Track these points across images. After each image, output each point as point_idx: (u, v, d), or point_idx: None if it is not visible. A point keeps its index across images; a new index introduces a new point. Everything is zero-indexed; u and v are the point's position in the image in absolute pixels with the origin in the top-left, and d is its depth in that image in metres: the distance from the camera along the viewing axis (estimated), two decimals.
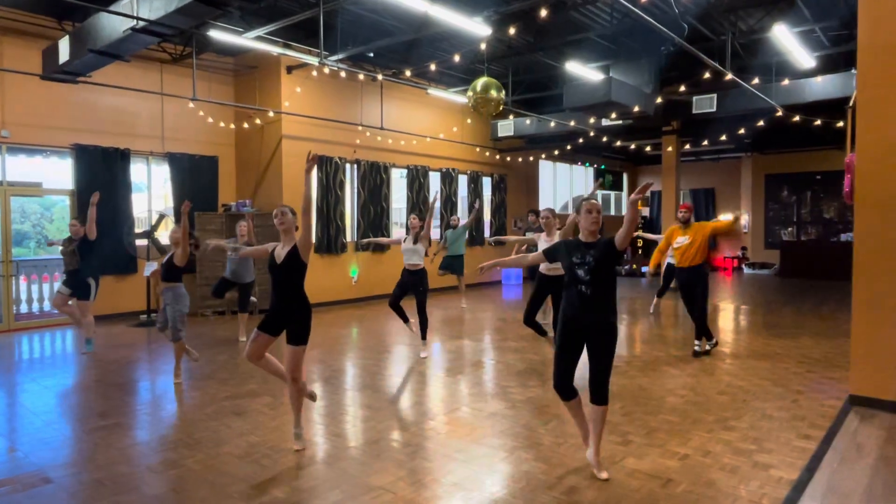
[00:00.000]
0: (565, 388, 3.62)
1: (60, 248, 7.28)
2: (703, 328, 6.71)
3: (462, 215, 14.36)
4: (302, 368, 4.04)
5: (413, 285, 6.79)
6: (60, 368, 6.63)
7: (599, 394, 3.54)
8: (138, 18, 6.14)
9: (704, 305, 6.72)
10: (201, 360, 6.45)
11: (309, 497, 3.36)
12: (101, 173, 9.39)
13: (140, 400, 5.44)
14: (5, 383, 5.96)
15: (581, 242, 3.62)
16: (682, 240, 6.63)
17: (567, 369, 3.60)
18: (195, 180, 10.54)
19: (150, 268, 9.12)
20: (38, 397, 5.41)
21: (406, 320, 7.05)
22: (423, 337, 6.91)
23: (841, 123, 11.49)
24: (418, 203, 12.94)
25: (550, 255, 3.80)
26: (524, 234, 8.94)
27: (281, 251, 4.06)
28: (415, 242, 6.75)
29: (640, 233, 7.49)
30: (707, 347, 6.84)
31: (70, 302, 7.18)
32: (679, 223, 6.75)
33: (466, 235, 10.87)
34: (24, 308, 9.25)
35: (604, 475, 3.54)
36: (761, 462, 3.76)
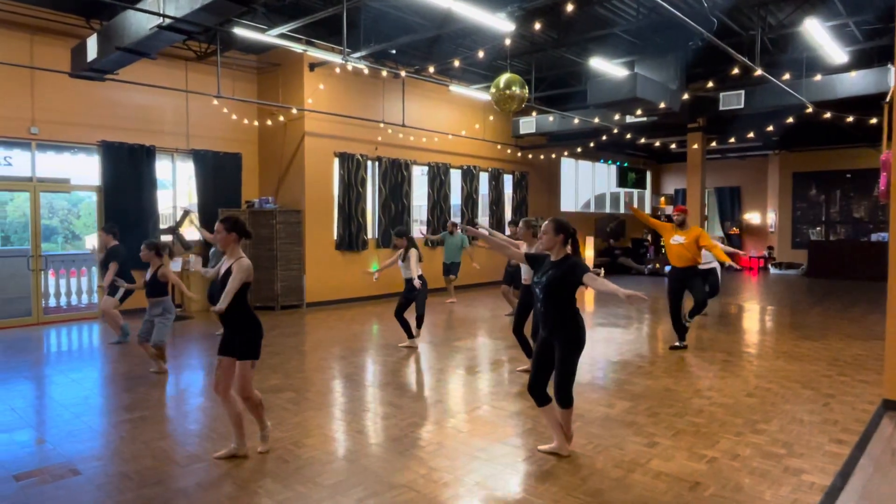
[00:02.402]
0: (534, 394, 3.84)
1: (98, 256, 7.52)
2: (700, 309, 7.21)
3: (483, 210, 14.32)
4: (251, 385, 3.80)
5: (408, 292, 7.08)
6: (88, 362, 6.74)
7: (558, 397, 3.75)
8: (165, 16, 6.20)
9: (703, 295, 7.16)
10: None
11: (332, 493, 3.35)
12: (127, 170, 9.52)
13: (165, 394, 5.49)
14: (35, 376, 6.07)
15: (549, 261, 3.82)
16: (678, 238, 6.89)
17: (535, 377, 3.83)
18: (219, 177, 10.64)
19: (174, 264, 9.21)
20: (66, 390, 5.50)
21: (409, 334, 7.24)
22: (418, 326, 7.39)
23: (874, 120, 11.18)
24: (439, 200, 12.92)
25: (530, 259, 4.02)
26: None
27: (222, 267, 3.85)
28: (403, 260, 7.02)
29: (636, 211, 7.53)
30: (677, 344, 7.07)
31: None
32: (676, 224, 7.00)
33: (464, 244, 10.82)
34: (52, 302, 9.42)
35: (544, 448, 3.90)
36: (792, 467, 3.67)
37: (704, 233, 6.93)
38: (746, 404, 4.93)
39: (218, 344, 3.88)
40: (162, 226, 9.88)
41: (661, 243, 7.27)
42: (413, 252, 6.92)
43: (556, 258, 3.76)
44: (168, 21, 6.26)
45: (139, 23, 6.72)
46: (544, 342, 3.80)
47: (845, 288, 13.49)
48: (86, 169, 9.61)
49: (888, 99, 5.11)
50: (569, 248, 3.78)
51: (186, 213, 9.70)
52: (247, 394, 3.78)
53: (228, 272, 3.73)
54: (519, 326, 5.84)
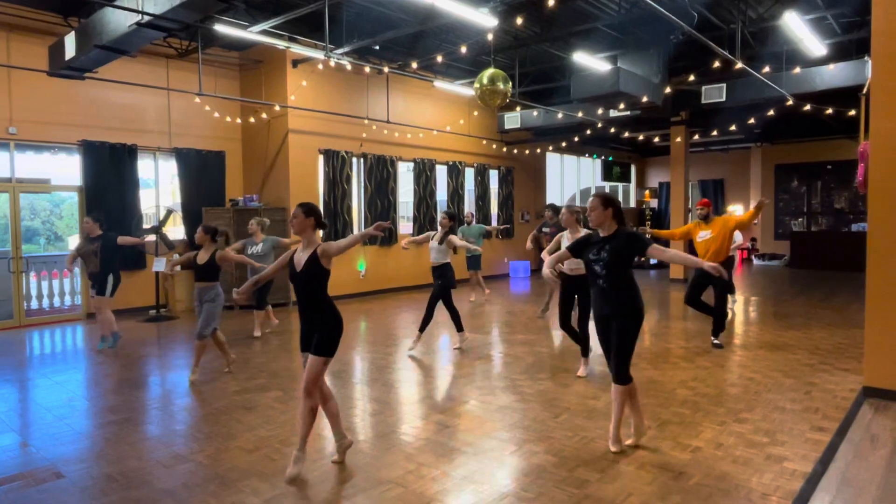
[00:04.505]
0: (625, 379, 3.82)
1: (79, 246, 7.13)
2: (720, 323, 6.74)
3: (469, 207, 14.33)
4: (319, 384, 3.57)
5: (435, 280, 6.73)
6: (71, 364, 6.66)
7: (615, 373, 3.77)
8: (144, 13, 6.12)
9: (724, 299, 6.76)
10: (211, 354, 6.46)
11: (319, 491, 3.35)
12: (109, 169, 9.41)
13: (150, 395, 5.45)
14: (17, 379, 6.00)
15: (598, 238, 3.79)
16: (704, 234, 6.69)
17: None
18: (202, 175, 10.55)
19: (158, 263, 9.14)
20: (49, 393, 5.44)
21: (459, 326, 6.93)
22: (459, 327, 6.85)
23: (853, 112, 11.34)
24: (425, 196, 12.91)
25: (574, 251, 3.96)
26: (540, 231, 8.80)
27: (301, 256, 3.62)
28: (440, 242, 6.67)
29: (654, 232, 7.43)
30: (717, 342, 6.79)
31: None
32: (699, 219, 6.81)
33: (481, 235, 10.75)
34: (34, 304, 9.30)
35: (614, 448, 3.79)
36: (774, 454, 3.73)
37: (730, 216, 6.73)
38: (730, 394, 5.00)
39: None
40: (145, 225, 9.79)
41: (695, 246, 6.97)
42: (455, 237, 6.68)
43: (608, 232, 3.75)
44: (147, 18, 6.18)
45: (118, 20, 6.63)
46: (606, 322, 3.78)
47: (827, 278, 13.69)
48: (67, 169, 9.48)
49: (865, 91, 5.18)
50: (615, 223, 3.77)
51: (170, 212, 9.61)
52: (311, 388, 3.51)
53: (314, 259, 3.53)
54: (566, 319, 5.68)
